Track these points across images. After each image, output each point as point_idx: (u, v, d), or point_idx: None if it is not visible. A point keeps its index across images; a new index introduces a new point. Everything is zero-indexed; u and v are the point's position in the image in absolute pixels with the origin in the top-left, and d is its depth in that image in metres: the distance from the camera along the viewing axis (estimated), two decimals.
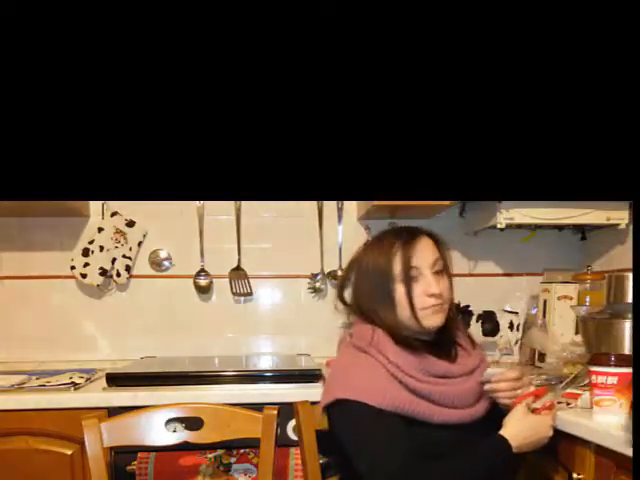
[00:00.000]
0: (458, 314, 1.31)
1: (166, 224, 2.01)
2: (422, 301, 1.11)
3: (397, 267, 1.11)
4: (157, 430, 1.27)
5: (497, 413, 1.16)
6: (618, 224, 1.75)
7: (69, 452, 1.49)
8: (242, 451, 1.48)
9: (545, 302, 1.85)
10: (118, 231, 1.94)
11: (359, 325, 1.17)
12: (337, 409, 1.10)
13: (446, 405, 1.10)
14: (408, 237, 1.14)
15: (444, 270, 1.15)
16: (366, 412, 1.05)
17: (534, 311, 1.99)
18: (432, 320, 1.13)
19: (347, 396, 1.07)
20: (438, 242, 1.17)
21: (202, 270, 2.00)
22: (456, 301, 1.29)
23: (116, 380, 1.56)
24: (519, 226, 1.88)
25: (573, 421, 1.16)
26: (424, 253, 1.13)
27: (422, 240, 1.14)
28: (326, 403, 1.11)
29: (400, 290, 1.11)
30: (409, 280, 1.11)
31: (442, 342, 1.18)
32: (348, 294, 1.21)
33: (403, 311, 1.12)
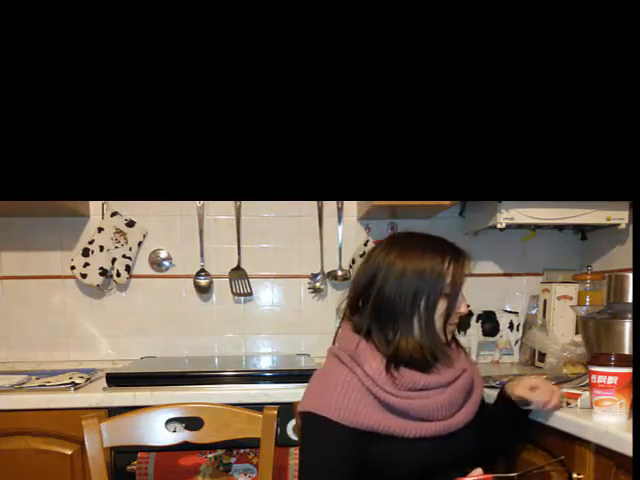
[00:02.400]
0: None
1: (166, 224, 2.01)
2: (454, 318, 1.14)
3: (448, 279, 1.10)
4: (157, 430, 1.27)
5: (481, 420, 1.17)
6: (618, 224, 1.75)
7: (69, 452, 1.49)
8: (242, 451, 1.48)
9: (545, 302, 1.85)
10: (118, 231, 1.94)
11: (346, 332, 1.16)
12: (307, 420, 1.10)
13: (422, 418, 1.08)
14: (456, 253, 1.14)
15: None
16: (333, 431, 1.05)
17: (534, 311, 1.99)
18: (446, 337, 1.15)
19: (319, 411, 1.07)
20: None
21: (202, 270, 2.00)
22: None
23: (116, 380, 1.56)
24: (519, 226, 1.88)
25: (573, 421, 1.16)
26: (465, 273, 1.14)
27: (466, 259, 1.15)
28: (299, 411, 1.12)
29: (443, 302, 1.11)
30: (457, 295, 1.12)
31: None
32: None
33: (437, 322, 1.12)
